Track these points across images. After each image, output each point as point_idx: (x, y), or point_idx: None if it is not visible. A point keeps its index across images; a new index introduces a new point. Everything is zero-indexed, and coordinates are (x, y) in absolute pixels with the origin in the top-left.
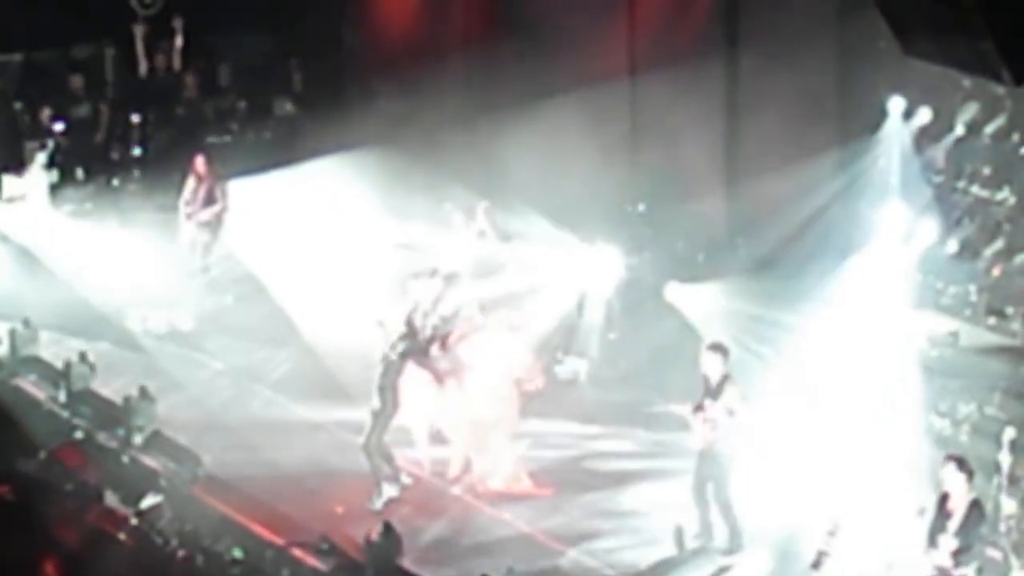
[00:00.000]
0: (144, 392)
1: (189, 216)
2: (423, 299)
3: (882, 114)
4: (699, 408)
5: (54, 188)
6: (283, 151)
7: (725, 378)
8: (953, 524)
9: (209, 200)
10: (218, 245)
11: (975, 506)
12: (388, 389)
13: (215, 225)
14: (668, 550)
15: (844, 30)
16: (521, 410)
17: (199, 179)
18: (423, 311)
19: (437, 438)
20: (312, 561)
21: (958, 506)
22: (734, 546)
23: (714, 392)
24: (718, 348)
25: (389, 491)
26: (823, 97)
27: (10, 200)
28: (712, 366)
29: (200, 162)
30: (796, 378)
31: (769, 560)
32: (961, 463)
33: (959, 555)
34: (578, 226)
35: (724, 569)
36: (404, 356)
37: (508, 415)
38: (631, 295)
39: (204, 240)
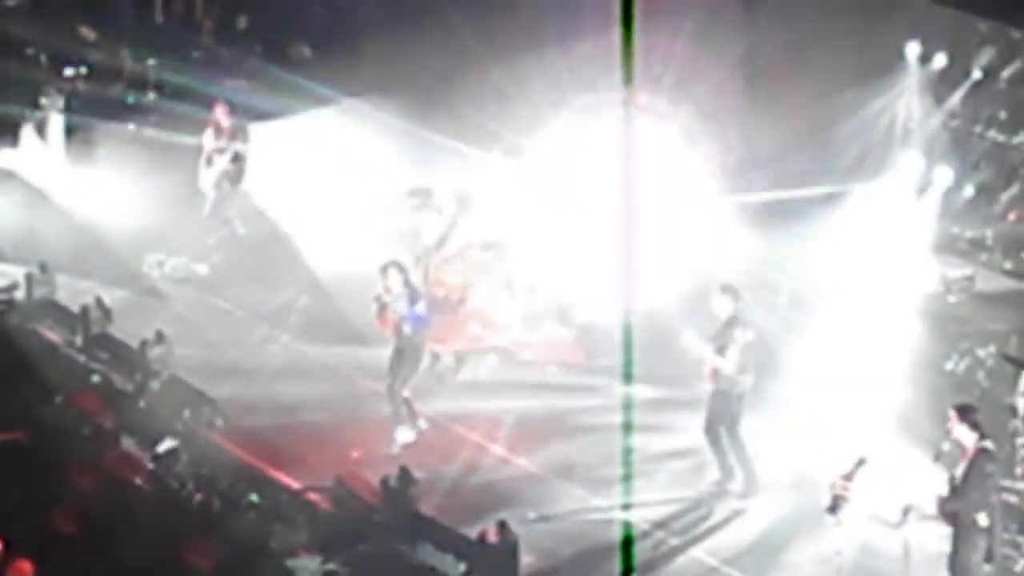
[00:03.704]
0: (161, 337)
1: (209, 163)
2: (427, 239)
3: (899, 59)
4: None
5: (70, 133)
6: (299, 96)
7: (733, 319)
8: (961, 470)
9: (229, 148)
10: (237, 192)
11: (982, 452)
12: (414, 335)
13: (235, 173)
14: (684, 495)
15: None
16: None
17: (219, 127)
18: (427, 250)
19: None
20: (328, 505)
21: (967, 453)
22: (749, 489)
23: (720, 332)
24: (727, 289)
25: (406, 436)
26: (841, 41)
27: (27, 144)
28: (721, 306)
29: (221, 110)
30: (812, 322)
31: (785, 504)
32: (962, 411)
33: (966, 500)
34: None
35: (739, 513)
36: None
37: None
38: None
39: (224, 188)
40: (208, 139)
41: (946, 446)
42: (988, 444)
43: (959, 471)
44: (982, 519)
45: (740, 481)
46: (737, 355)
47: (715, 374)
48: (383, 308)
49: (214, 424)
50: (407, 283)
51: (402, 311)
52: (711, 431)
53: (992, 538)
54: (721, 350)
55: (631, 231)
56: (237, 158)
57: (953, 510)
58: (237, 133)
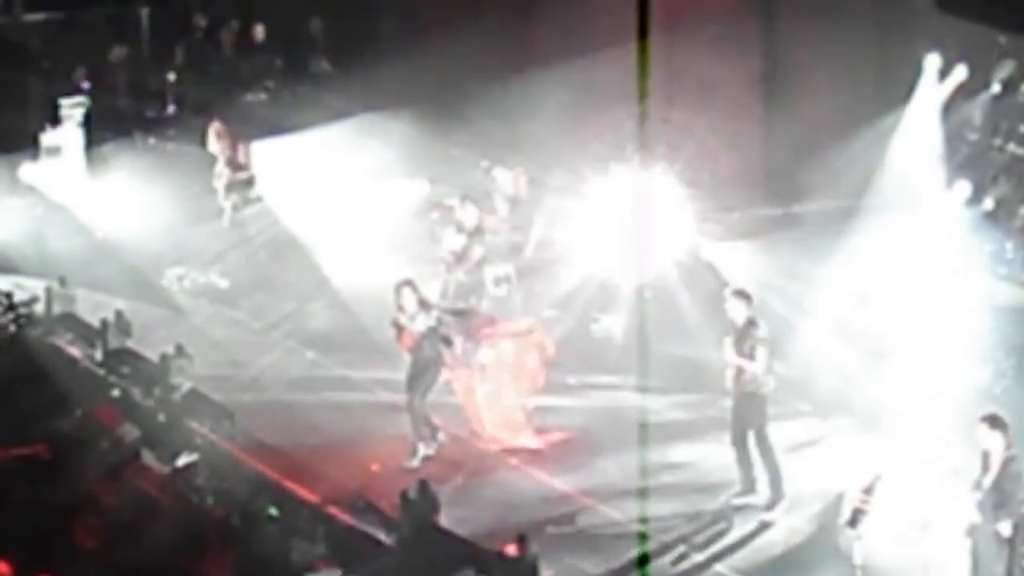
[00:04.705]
0: (180, 350)
1: (219, 176)
2: (448, 252)
3: (918, 72)
4: (727, 355)
5: (89, 147)
6: (318, 109)
7: (749, 322)
8: (987, 480)
9: (232, 162)
10: (249, 205)
11: (1010, 462)
12: (431, 349)
13: (242, 186)
14: (704, 508)
15: None
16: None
17: (219, 142)
18: (448, 265)
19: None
20: (348, 519)
21: (994, 463)
22: (775, 497)
23: (739, 337)
24: (740, 294)
25: (425, 449)
26: (859, 55)
27: (47, 158)
28: (736, 311)
29: (217, 126)
30: (831, 335)
31: (804, 517)
32: (993, 421)
33: (991, 511)
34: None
35: (759, 525)
36: (440, 322)
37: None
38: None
39: (235, 200)
40: (214, 155)
41: (965, 459)
42: (1015, 452)
43: (986, 481)
44: (1004, 529)
45: (765, 490)
46: (764, 356)
47: (740, 379)
48: (401, 330)
49: (234, 437)
50: (422, 301)
51: (419, 328)
52: (738, 439)
53: (1013, 549)
54: (749, 353)
55: (649, 241)
56: (239, 168)
57: (980, 518)
58: (237, 145)
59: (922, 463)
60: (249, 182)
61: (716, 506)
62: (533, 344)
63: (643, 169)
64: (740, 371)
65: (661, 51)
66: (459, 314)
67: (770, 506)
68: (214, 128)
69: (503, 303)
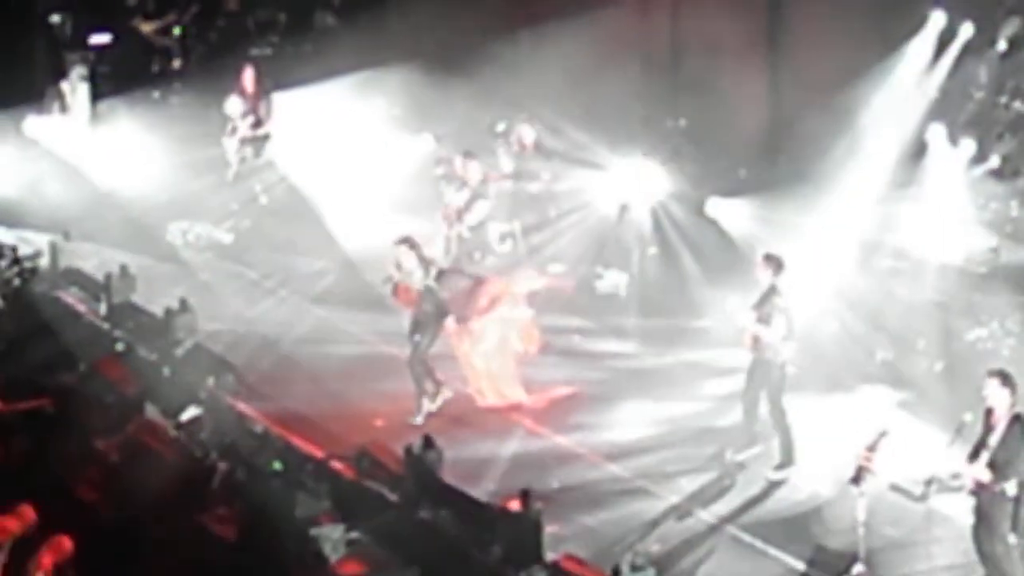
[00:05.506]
0: (184, 305)
1: (234, 129)
2: (452, 208)
3: (924, 29)
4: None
5: (95, 101)
6: (324, 64)
7: (771, 289)
8: (994, 438)
9: (254, 114)
10: (261, 159)
11: (1016, 420)
12: (431, 305)
13: (260, 139)
14: (708, 464)
15: None
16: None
17: (244, 93)
18: (450, 220)
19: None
20: (351, 474)
21: (1000, 421)
22: (785, 460)
23: (759, 302)
24: (770, 258)
25: (429, 405)
26: (865, 12)
27: (52, 112)
28: (763, 275)
29: (248, 75)
30: (837, 292)
31: (808, 474)
32: (1004, 378)
33: (998, 469)
34: (620, 140)
35: (763, 482)
36: (440, 276)
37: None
38: (672, 209)
39: (247, 154)
40: (233, 105)
41: (968, 417)
42: (1020, 411)
43: (992, 439)
44: (1011, 488)
45: (775, 454)
46: (782, 323)
47: (758, 343)
48: (395, 286)
49: (238, 392)
50: (421, 258)
51: (418, 285)
52: (748, 399)
53: (1019, 507)
54: (766, 318)
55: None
56: (258, 124)
57: (988, 476)
58: (260, 99)
59: (924, 421)
60: (264, 139)
61: (717, 461)
62: (525, 301)
63: (648, 126)
64: (757, 336)
65: (669, 7)
66: (451, 272)
67: (779, 469)
68: (246, 76)
69: (508, 259)
